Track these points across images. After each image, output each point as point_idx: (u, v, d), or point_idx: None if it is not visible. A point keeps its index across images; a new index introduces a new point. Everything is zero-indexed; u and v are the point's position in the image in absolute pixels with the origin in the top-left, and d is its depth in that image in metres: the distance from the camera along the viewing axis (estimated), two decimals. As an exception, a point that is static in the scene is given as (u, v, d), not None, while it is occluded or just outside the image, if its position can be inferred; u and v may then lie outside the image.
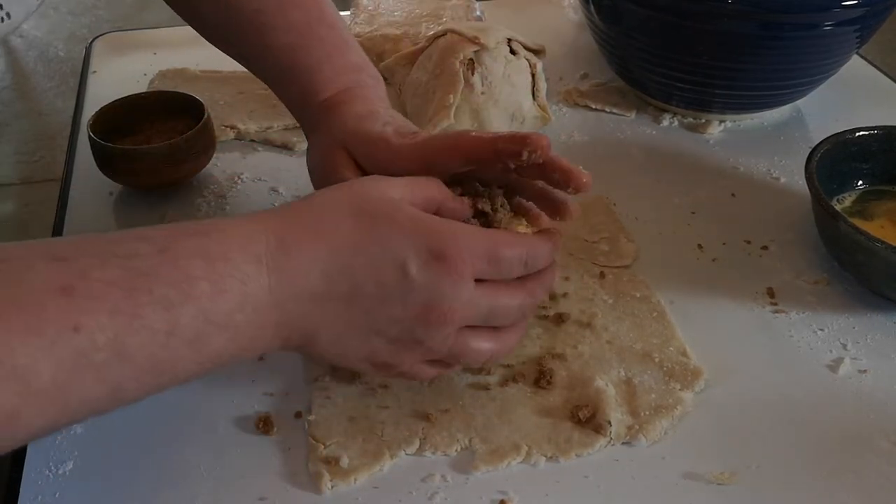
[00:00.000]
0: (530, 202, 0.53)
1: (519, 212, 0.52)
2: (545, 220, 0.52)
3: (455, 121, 0.73)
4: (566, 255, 0.64)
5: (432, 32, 0.79)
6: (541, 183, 0.52)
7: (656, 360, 0.55)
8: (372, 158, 0.52)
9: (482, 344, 0.47)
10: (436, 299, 0.44)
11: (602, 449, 0.50)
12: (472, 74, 0.74)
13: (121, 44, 0.96)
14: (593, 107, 0.84)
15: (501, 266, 0.46)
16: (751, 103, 0.80)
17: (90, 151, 0.69)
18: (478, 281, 0.45)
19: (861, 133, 0.66)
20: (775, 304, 0.60)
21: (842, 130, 0.66)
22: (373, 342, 0.45)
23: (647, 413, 0.51)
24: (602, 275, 0.62)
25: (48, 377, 0.35)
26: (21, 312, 0.35)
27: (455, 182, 0.52)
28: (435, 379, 0.53)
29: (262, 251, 0.42)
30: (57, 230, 0.68)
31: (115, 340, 0.36)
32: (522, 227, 0.52)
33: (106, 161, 0.69)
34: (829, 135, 0.66)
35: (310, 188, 0.72)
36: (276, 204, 0.70)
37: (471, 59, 0.74)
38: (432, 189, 0.49)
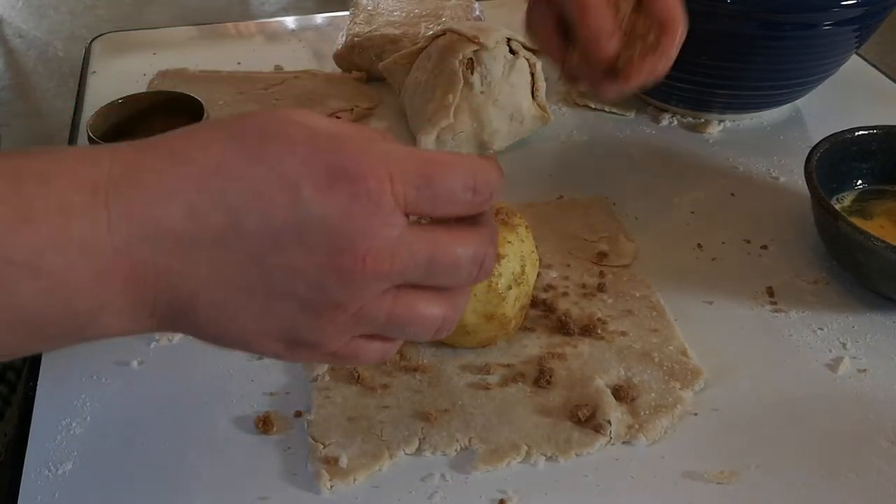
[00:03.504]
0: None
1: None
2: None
3: (454, 120, 0.73)
4: (566, 255, 0.64)
5: (431, 32, 0.79)
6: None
7: (656, 359, 0.55)
8: None
9: (432, 308, 0.36)
10: (345, 236, 0.32)
11: (602, 448, 0.50)
12: (472, 74, 0.74)
13: (120, 44, 0.96)
14: (593, 106, 0.84)
15: (438, 191, 0.34)
16: (751, 103, 0.80)
17: (90, 151, 0.69)
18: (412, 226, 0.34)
19: (860, 133, 0.66)
20: (775, 303, 0.60)
21: (841, 130, 0.66)
22: (276, 308, 0.34)
23: (647, 412, 0.51)
24: (602, 274, 0.62)
25: None
26: None
27: None
28: (432, 378, 0.53)
29: (100, 178, 0.31)
30: (56, 230, 0.68)
31: None
32: (513, 236, 0.51)
33: (105, 161, 0.69)
34: (828, 134, 0.66)
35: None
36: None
37: (470, 59, 0.74)
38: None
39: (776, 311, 0.60)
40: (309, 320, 0.34)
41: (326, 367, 0.54)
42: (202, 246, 0.32)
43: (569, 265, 0.63)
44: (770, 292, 0.61)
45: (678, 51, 0.55)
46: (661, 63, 0.55)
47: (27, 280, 0.30)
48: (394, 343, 0.38)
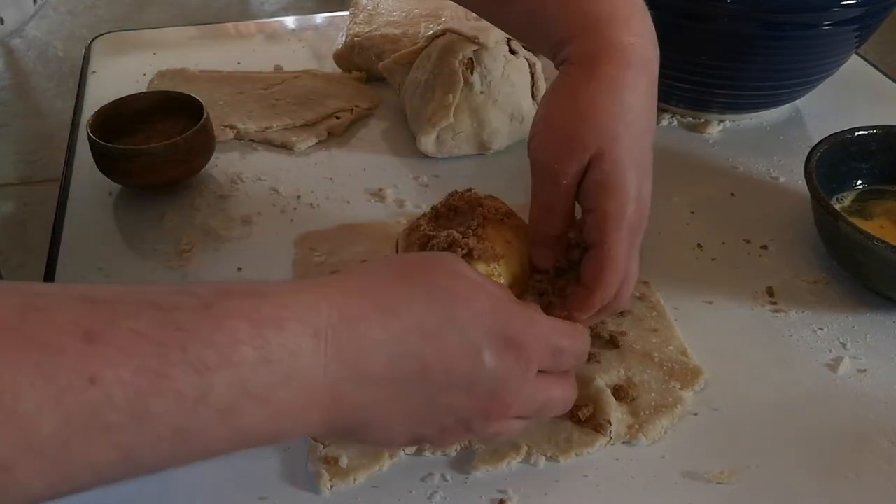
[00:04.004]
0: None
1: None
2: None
3: (454, 120, 0.73)
4: (566, 255, 0.63)
5: (431, 32, 0.79)
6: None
7: (656, 359, 0.55)
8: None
9: (521, 426, 0.46)
10: (501, 390, 0.41)
11: (602, 448, 0.50)
12: (472, 74, 0.74)
13: (120, 44, 0.96)
14: (593, 106, 0.84)
15: (562, 359, 0.45)
16: (751, 103, 0.80)
17: (90, 151, 0.69)
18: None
19: (860, 133, 0.66)
20: (775, 303, 0.60)
21: (841, 130, 0.66)
22: (423, 430, 0.42)
23: (647, 412, 0.51)
24: (602, 274, 0.62)
25: (50, 431, 0.31)
26: (36, 353, 0.31)
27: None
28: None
29: (321, 324, 0.38)
30: (56, 230, 0.68)
31: (136, 401, 0.33)
32: (513, 236, 0.51)
33: (105, 161, 0.69)
34: (828, 134, 0.66)
35: (308, 188, 0.72)
36: (275, 204, 0.70)
37: (470, 59, 0.74)
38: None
39: (776, 311, 0.60)
40: (443, 436, 0.43)
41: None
42: (392, 386, 0.40)
43: (569, 265, 0.63)
44: (770, 292, 0.61)
45: (592, 316, 0.50)
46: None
47: (256, 408, 0.36)
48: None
